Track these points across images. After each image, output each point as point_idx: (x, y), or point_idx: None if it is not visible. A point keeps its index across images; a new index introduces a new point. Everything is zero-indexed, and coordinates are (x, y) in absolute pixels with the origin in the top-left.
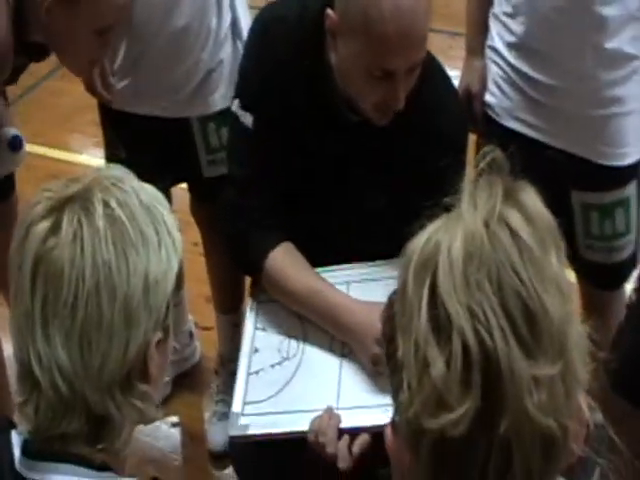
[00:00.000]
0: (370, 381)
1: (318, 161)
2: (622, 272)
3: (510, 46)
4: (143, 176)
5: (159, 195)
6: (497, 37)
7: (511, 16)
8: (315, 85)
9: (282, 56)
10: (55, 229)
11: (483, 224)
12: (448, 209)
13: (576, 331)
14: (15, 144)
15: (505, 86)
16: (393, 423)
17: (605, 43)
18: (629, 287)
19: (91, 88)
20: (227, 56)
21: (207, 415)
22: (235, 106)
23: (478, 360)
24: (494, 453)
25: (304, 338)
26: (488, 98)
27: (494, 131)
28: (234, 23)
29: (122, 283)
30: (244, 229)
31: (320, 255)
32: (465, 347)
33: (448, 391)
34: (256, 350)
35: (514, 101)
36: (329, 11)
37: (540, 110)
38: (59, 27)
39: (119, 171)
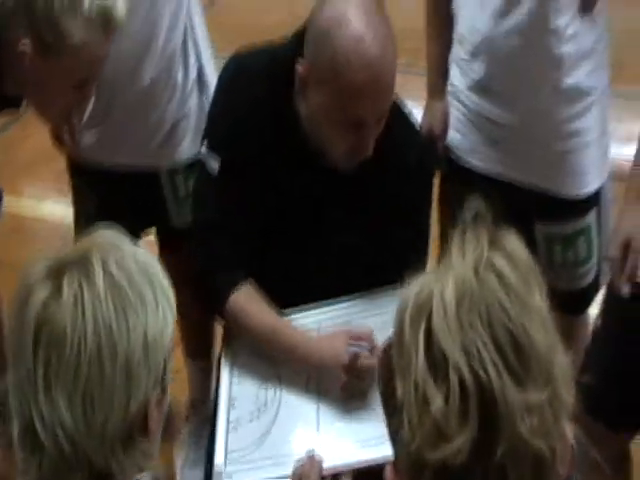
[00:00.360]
0: (348, 418)
1: (291, 200)
2: (586, 297)
3: (471, 88)
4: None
5: (152, 257)
6: (458, 79)
7: (471, 58)
8: (283, 131)
9: (251, 102)
10: (56, 293)
11: (472, 271)
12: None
13: (560, 360)
14: None
15: (466, 126)
16: (394, 461)
17: (563, 80)
18: (593, 311)
19: (58, 140)
20: (193, 107)
21: (179, 462)
22: (203, 150)
23: (474, 393)
24: (491, 476)
25: (280, 383)
26: (450, 139)
27: (457, 171)
28: (200, 75)
29: (123, 343)
30: (208, 271)
31: (295, 292)
32: (462, 382)
33: (447, 424)
34: (234, 401)
35: (476, 140)
36: (300, 61)
37: (502, 147)
38: (38, 77)
39: (114, 234)
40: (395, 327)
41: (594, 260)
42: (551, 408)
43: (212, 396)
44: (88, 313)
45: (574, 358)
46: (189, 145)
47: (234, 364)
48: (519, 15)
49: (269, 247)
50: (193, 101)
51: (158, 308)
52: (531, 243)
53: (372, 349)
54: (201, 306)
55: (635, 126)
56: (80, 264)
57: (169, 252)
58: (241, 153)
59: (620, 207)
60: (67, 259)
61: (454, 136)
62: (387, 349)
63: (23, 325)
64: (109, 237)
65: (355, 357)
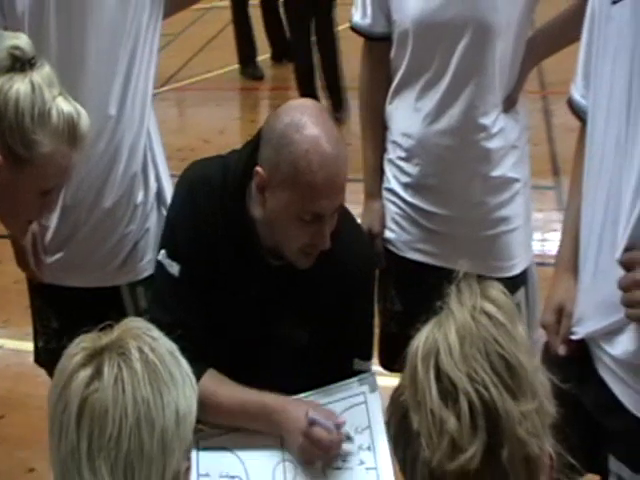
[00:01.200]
0: None
1: (242, 302)
2: None
3: (406, 186)
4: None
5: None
6: (393, 179)
7: (406, 159)
8: (238, 236)
9: (206, 210)
10: (97, 374)
11: (470, 316)
12: None
13: (542, 378)
14: None
15: (402, 222)
16: None
17: (491, 172)
18: None
19: (23, 264)
20: (153, 224)
21: None
22: (162, 256)
23: (480, 409)
24: (497, 477)
25: (246, 476)
26: (388, 234)
27: (395, 263)
28: (159, 193)
29: (159, 417)
30: None
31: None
32: (470, 403)
33: (461, 437)
34: None
35: (411, 234)
36: (258, 168)
37: (435, 238)
38: (6, 187)
39: (140, 322)
40: (408, 370)
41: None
42: (538, 415)
43: None
44: (128, 392)
45: None
46: (149, 261)
47: (200, 461)
48: (451, 117)
49: (220, 342)
50: (153, 218)
51: (185, 386)
52: None
53: (335, 426)
54: None
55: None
56: (117, 348)
57: None
58: (198, 261)
59: (550, 280)
60: (103, 344)
61: (392, 231)
62: (396, 396)
63: (67, 404)
64: (137, 324)
65: (313, 422)
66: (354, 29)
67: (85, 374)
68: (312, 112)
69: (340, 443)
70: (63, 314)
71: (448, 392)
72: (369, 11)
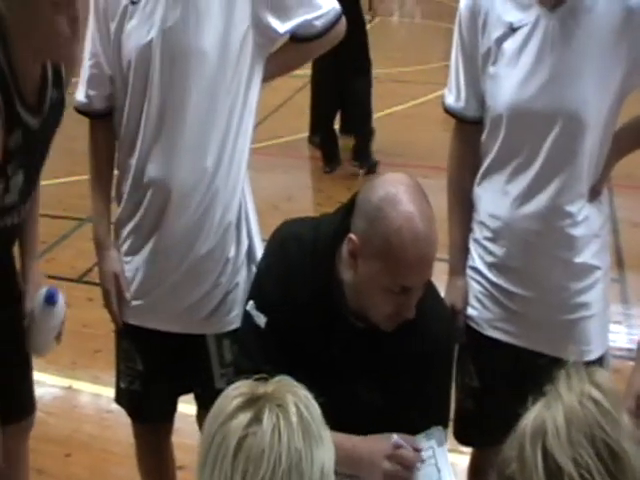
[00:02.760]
0: None
1: (322, 360)
2: None
3: (490, 265)
4: (158, 385)
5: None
6: (478, 258)
7: (491, 240)
8: (324, 295)
9: (296, 266)
10: (257, 419)
11: (577, 401)
12: None
13: None
14: (50, 297)
15: (485, 300)
16: None
17: (574, 258)
18: None
19: (108, 305)
20: (242, 280)
21: None
22: (250, 306)
23: None
24: None
25: None
26: (470, 312)
27: (475, 340)
28: (250, 250)
29: (308, 469)
30: None
31: None
32: None
33: None
34: None
35: (494, 313)
36: (352, 236)
37: (516, 318)
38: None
39: (292, 380)
40: (515, 446)
41: None
42: None
43: None
44: (284, 441)
45: None
46: (237, 315)
47: None
48: (539, 202)
49: None
50: (243, 273)
51: (330, 446)
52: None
53: (415, 450)
54: None
55: None
56: (275, 399)
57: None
58: (284, 315)
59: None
60: (261, 393)
61: (474, 308)
62: (501, 469)
63: (225, 438)
64: (292, 381)
65: (398, 446)
66: (447, 111)
67: (245, 417)
68: (407, 188)
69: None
70: (149, 358)
71: (553, 473)
72: (463, 95)
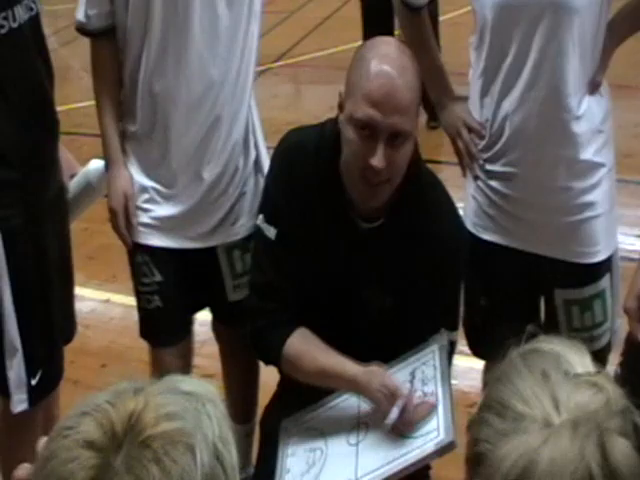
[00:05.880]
0: (383, 448)
1: (331, 264)
2: (602, 358)
3: (490, 174)
4: (177, 298)
5: None
6: (479, 171)
7: (490, 148)
8: (329, 196)
9: (301, 175)
10: None
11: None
12: None
13: None
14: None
15: (488, 206)
16: None
17: (577, 156)
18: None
19: (115, 226)
20: (250, 189)
21: None
22: (260, 220)
23: None
24: None
25: (325, 444)
26: (472, 218)
27: (479, 244)
28: (257, 160)
29: None
30: (264, 326)
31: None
32: None
33: None
34: (287, 472)
35: (497, 218)
36: (340, 89)
37: (521, 222)
38: None
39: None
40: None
41: (608, 324)
42: None
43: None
44: None
45: None
46: (245, 223)
47: (288, 443)
48: (535, 99)
49: (305, 306)
50: (250, 183)
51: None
52: (553, 310)
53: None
54: (250, 374)
55: None
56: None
57: (224, 325)
58: (292, 225)
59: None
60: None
61: (476, 215)
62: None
63: None
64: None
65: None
66: None
67: None
68: (390, 41)
69: (413, 403)
70: (165, 268)
71: None
72: None
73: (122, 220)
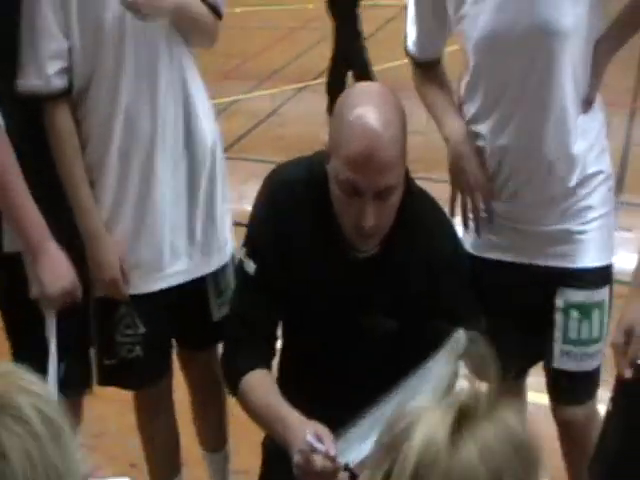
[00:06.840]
0: None
1: (329, 298)
2: (590, 383)
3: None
4: (160, 341)
5: None
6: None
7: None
8: (320, 228)
9: (286, 211)
10: None
11: None
12: None
13: None
14: None
15: (490, 229)
16: None
17: (572, 175)
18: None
19: (116, 292)
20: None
21: None
22: (242, 254)
23: None
24: None
25: None
26: (467, 239)
27: (480, 262)
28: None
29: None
30: (232, 354)
31: (320, 382)
32: None
33: None
34: None
35: (492, 236)
36: (324, 138)
37: (515, 234)
38: None
39: (15, 369)
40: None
41: (601, 344)
42: None
43: None
44: (38, 464)
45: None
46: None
47: None
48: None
49: (313, 340)
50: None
51: (77, 441)
52: (551, 319)
53: (327, 456)
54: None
55: None
56: (8, 409)
57: (196, 350)
58: (274, 262)
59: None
60: None
61: (469, 236)
62: None
63: None
64: (15, 374)
65: (310, 446)
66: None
67: None
68: (371, 91)
69: (335, 473)
70: (150, 317)
71: None
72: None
73: (122, 283)
